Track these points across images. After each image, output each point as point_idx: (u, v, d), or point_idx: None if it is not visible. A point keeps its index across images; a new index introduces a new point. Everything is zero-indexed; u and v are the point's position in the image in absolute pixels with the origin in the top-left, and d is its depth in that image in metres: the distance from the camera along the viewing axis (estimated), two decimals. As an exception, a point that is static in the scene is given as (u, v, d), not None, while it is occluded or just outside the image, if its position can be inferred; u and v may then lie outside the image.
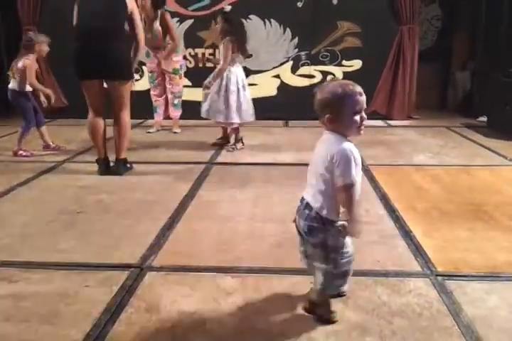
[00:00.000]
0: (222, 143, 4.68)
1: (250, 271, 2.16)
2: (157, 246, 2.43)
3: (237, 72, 4.36)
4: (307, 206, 1.68)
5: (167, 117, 5.51)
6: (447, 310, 1.83)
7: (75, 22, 3.53)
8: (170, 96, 5.31)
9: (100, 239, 2.52)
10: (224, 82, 4.32)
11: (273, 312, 1.83)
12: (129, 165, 3.83)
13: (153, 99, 5.39)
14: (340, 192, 1.58)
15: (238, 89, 4.35)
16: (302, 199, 1.72)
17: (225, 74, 4.32)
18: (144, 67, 5.99)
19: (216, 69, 4.32)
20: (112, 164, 3.79)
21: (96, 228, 2.68)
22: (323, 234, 1.65)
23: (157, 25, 4.96)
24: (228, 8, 4.37)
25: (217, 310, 1.86)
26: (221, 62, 4.29)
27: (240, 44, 4.30)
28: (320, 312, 1.77)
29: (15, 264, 2.24)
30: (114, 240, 2.51)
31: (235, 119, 4.39)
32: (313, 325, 1.74)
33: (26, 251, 2.39)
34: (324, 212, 1.63)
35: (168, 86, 5.27)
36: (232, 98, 4.32)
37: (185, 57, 5.71)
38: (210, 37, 5.91)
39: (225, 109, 4.35)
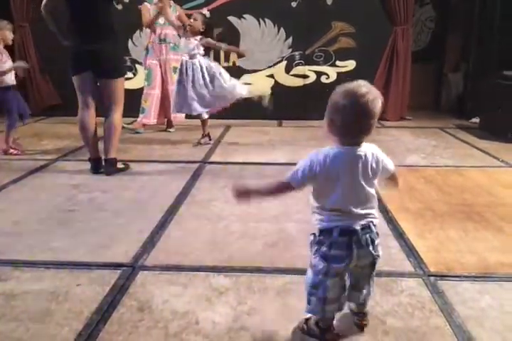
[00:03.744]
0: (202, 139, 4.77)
1: (243, 270, 2.16)
2: (150, 245, 2.42)
3: (198, 63, 4.46)
4: (364, 229, 1.53)
5: (160, 122, 5.39)
6: (439, 310, 1.84)
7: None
8: (170, 96, 5.24)
9: (92, 238, 2.51)
10: (184, 76, 4.43)
11: (266, 312, 1.83)
12: (123, 166, 3.78)
13: (144, 98, 5.24)
14: (395, 172, 1.63)
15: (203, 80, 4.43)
16: (346, 232, 1.51)
17: (184, 67, 4.44)
18: (137, 66, 5.99)
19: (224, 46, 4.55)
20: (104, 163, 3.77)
21: (88, 227, 2.66)
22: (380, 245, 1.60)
23: (172, 15, 5.04)
24: (208, 13, 4.57)
25: (210, 309, 1.85)
26: (221, 45, 4.53)
27: None
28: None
29: (5, 262, 2.22)
30: (106, 239, 2.50)
31: (199, 109, 4.47)
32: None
33: (17, 249, 2.37)
34: (377, 220, 1.58)
35: (168, 86, 5.19)
36: (192, 89, 4.42)
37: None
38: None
39: (189, 101, 4.45)
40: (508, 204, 3.02)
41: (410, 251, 2.37)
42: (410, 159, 4.18)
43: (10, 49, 4.30)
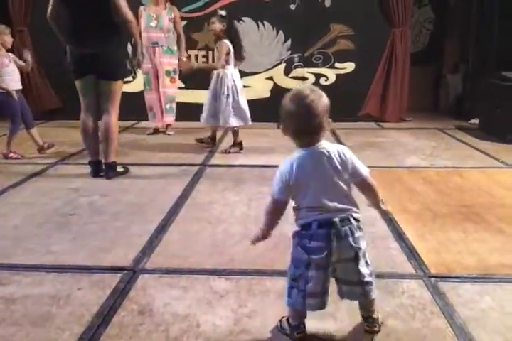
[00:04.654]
0: (207, 143, 4.68)
1: (244, 273, 2.16)
2: (150, 248, 2.42)
3: (231, 75, 4.32)
4: (343, 221, 1.55)
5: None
6: (440, 312, 1.84)
7: (48, 14, 3.47)
8: (162, 99, 5.25)
9: (93, 242, 2.51)
10: (219, 85, 4.29)
11: (267, 315, 1.82)
12: (122, 169, 3.78)
13: (148, 103, 5.29)
14: (369, 179, 1.62)
15: (233, 92, 4.30)
16: (325, 224, 1.54)
17: (219, 77, 4.29)
18: (138, 70, 5.99)
19: (211, 64, 4.40)
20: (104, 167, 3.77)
21: (88, 230, 2.66)
22: (363, 239, 1.61)
23: (166, 17, 5.05)
24: (223, 12, 4.32)
25: (211, 312, 1.85)
26: (217, 63, 4.29)
27: (235, 48, 4.29)
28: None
29: (6, 267, 2.22)
30: (106, 242, 2.50)
31: (233, 123, 4.36)
32: (307, 328, 1.73)
33: (18, 253, 2.37)
34: (358, 215, 1.60)
35: (160, 89, 5.22)
36: (228, 101, 4.28)
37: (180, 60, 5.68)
38: (203, 39, 5.92)
39: (222, 112, 4.30)
40: (507, 205, 3.02)
41: (411, 252, 2.37)
42: (410, 160, 4.18)
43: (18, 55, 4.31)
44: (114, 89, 3.62)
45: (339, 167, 1.55)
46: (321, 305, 1.62)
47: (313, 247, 1.55)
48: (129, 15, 3.48)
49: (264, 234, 1.69)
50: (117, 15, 3.44)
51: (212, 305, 1.89)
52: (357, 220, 1.59)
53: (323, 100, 1.52)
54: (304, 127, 1.54)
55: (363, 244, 1.60)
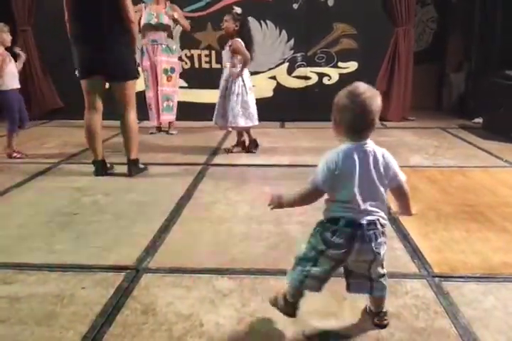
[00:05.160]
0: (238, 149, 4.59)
1: (247, 272, 2.16)
2: (153, 247, 2.43)
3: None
4: (370, 225, 1.56)
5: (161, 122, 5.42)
6: (444, 312, 1.83)
7: (66, 17, 3.51)
8: (160, 97, 5.22)
9: (96, 241, 2.51)
10: (229, 84, 4.27)
11: (270, 314, 1.82)
12: (143, 166, 3.81)
13: (148, 101, 5.28)
14: (404, 185, 1.64)
15: (242, 92, 4.27)
16: (352, 224, 1.55)
17: (228, 77, 4.28)
18: (139, 69, 6.00)
19: (243, 62, 4.24)
20: (108, 165, 3.79)
21: (92, 229, 2.67)
22: (384, 244, 1.62)
23: (166, 16, 5.04)
24: (239, 9, 4.22)
25: (214, 311, 1.85)
26: (244, 55, 4.20)
27: (246, 47, 4.24)
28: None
29: (10, 266, 2.23)
30: (110, 241, 2.50)
31: (241, 123, 4.31)
32: (310, 327, 1.73)
33: (22, 252, 2.38)
34: (385, 221, 1.61)
35: (158, 87, 5.20)
36: (237, 100, 4.25)
37: (180, 59, 5.68)
38: (206, 38, 5.92)
39: (231, 111, 4.27)
40: (511, 204, 3.02)
41: (414, 252, 2.36)
42: (413, 159, 4.18)
43: (12, 53, 4.31)
44: (128, 89, 3.65)
45: (382, 170, 1.56)
46: (318, 289, 1.64)
47: (335, 243, 1.56)
48: (133, 15, 3.53)
49: (284, 207, 1.69)
50: (122, 14, 3.45)
51: (215, 305, 1.90)
52: (383, 226, 1.60)
53: (377, 99, 1.55)
54: (357, 123, 1.54)
55: (382, 250, 1.60)
